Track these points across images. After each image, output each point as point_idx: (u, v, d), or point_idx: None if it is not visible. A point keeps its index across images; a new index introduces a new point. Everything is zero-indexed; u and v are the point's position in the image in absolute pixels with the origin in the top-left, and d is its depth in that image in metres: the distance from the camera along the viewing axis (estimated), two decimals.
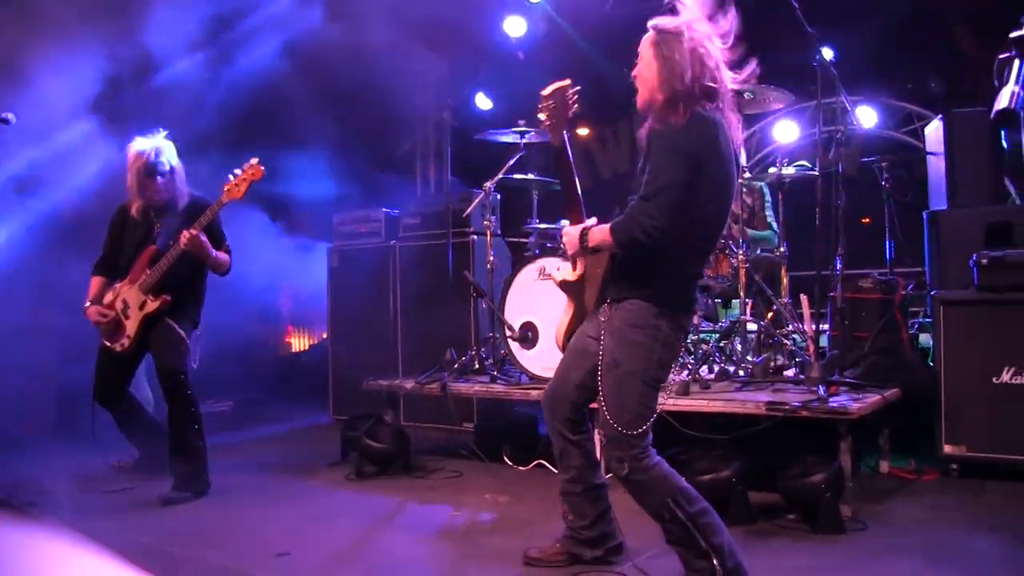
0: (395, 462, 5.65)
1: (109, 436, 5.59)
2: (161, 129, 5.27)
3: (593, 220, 3.45)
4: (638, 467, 3.23)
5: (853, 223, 6.90)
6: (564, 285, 3.62)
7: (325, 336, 8.51)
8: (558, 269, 3.65)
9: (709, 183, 3.16)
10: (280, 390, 9.38)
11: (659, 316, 3.23)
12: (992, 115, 5.23)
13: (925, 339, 5.96)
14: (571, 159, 3.53)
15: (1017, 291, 4.98)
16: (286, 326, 10.46)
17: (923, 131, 8.38)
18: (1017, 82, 5.08)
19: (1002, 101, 5.11)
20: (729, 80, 3.26)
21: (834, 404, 4.38)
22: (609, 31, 9.57)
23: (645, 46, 3.26)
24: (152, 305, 5.17)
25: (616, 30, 9.53)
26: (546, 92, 3.45)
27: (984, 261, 5.05)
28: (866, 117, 8.55)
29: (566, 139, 3.51)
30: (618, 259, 3.33)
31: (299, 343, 10.52)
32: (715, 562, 3.17)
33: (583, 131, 10.37)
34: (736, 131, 3.32)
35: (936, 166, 6.10)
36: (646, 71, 3.24)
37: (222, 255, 5.27)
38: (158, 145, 5.18)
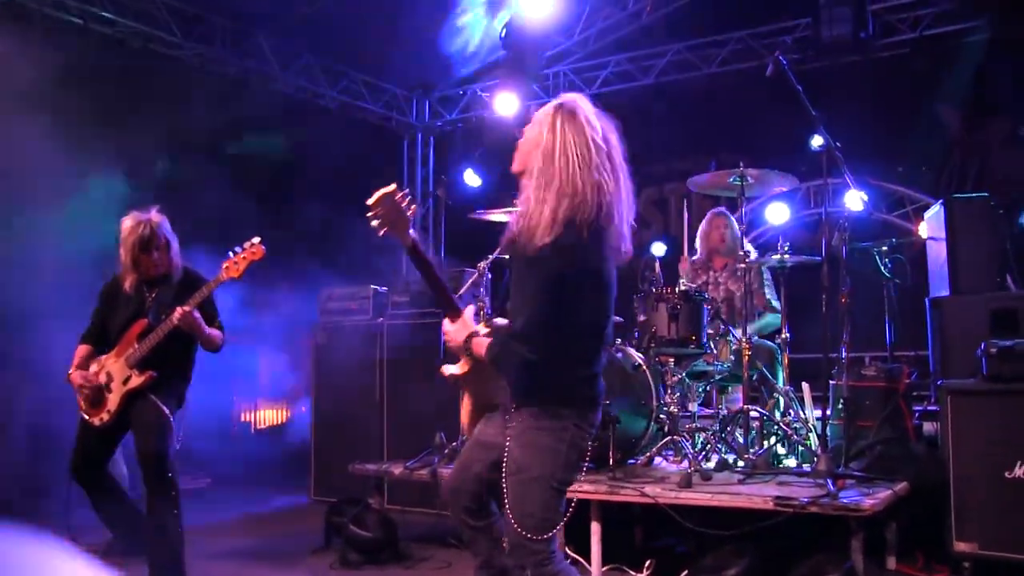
0: (382, 551, 5.42)
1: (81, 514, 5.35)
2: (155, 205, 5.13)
3: (471, 314, 3.31)
4: (542, 573, 3.04)
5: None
6: (455, 380, 3.41)
7: (304, 410, 8.30)
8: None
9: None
10: (258, 466, 9.15)
11: (564, 418, 3.05)
12: None
13: (929, 428, 5.80)
14: (427, 256, 3.34)
15: None
16: (260, 400, 10.22)
17: (914, 214, 8.39)
18: None
19: None
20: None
21: (845, 500, 4.22)
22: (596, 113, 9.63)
23: None
24: (137, 380, 4.94)
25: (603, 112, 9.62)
26: (372, 201, 3.18)
27: (993, 351, 4.91)
28: (856, 200, 8.50)
29: (415, 239, 3.28)
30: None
31: (276, 417, 10.27)
32: None
33: None
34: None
35: (936, 251, 6.02)
36: None
37: (215, 331, 5.08)
38: (153, 219, 5.01)
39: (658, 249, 6.20)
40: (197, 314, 4.89)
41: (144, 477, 4.94)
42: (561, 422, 3.04)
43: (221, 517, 7.17)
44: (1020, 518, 4.70)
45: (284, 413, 10.06)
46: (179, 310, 4.81)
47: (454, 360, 3.37)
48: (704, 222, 6.69)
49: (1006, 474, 4.78)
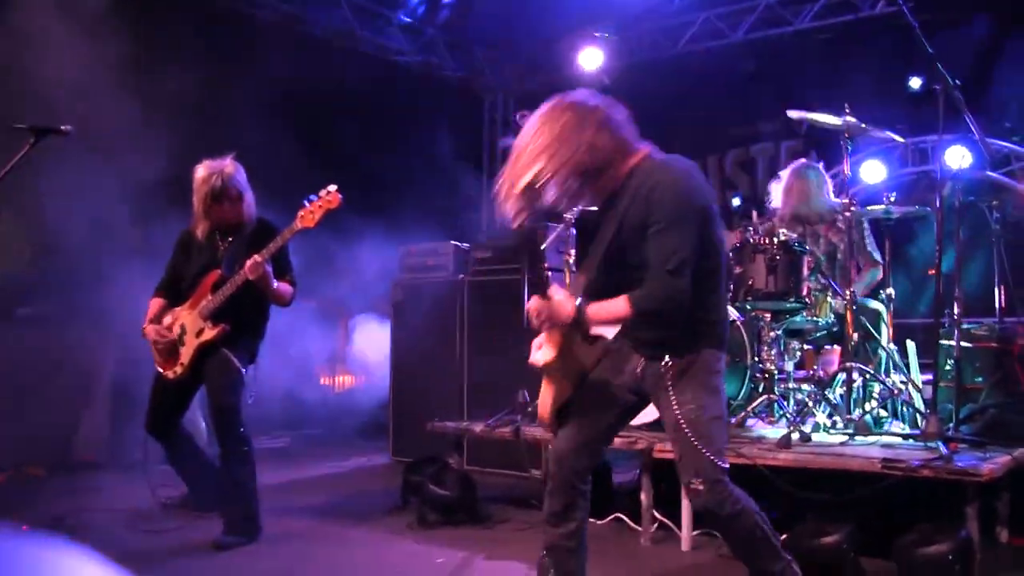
0: (460, 511, 5.25)
1: (159, 469, 5.31)
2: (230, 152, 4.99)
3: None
4: (734, 499, 3.17)
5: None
6: (545, 368, 3.30)
7: (383, 374, 8.20)
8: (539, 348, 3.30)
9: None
10: (338, 428, 9.12)
11: (720, 359, 3.29)
12: None
13: None
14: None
15: None
16: (339, 363, 10.16)
17: (1021, 173, 7.94)
18: None
19: None
20: None
21: (961, 463, 3.92)
22: (683, 69, 9.35)
23: None
24: (210, 333, 4.86)
25: (691, 68, 9.33)
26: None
27: None
28: (959, 157, 8.07)
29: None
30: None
31: (356, 378, 10.19)
32: (787, 556, 3.30)
33: None
34: None
35: None
36: None
37: (284, 286, 4.95)
38: (226, 169, 4.88)
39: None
40: (269, 267, 4.77)
41: (216, 432, 4.90)
42: (720, 364, 3.27)
43: (298, 475, 7.10)
44: None
45: (364, 374, 9.96)
46: (251, 261, 4.69)
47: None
48: (789, 175, 6.01)
49: None
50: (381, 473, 7.18)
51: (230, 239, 5.00)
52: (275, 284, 4.85)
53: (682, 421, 3.13)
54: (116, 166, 6.45)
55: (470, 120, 11.17)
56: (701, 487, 3.11)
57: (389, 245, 7.97)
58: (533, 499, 5.62)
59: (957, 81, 4.58)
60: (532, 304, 3.16)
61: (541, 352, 3.27)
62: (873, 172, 8.11)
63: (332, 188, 4.81)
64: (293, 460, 7.78)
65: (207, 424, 6.49)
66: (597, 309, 3.14)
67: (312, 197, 4.80)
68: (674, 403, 3.15)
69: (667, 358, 3.19)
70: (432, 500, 5.23)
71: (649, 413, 4.93)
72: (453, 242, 7.34)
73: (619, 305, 3.09)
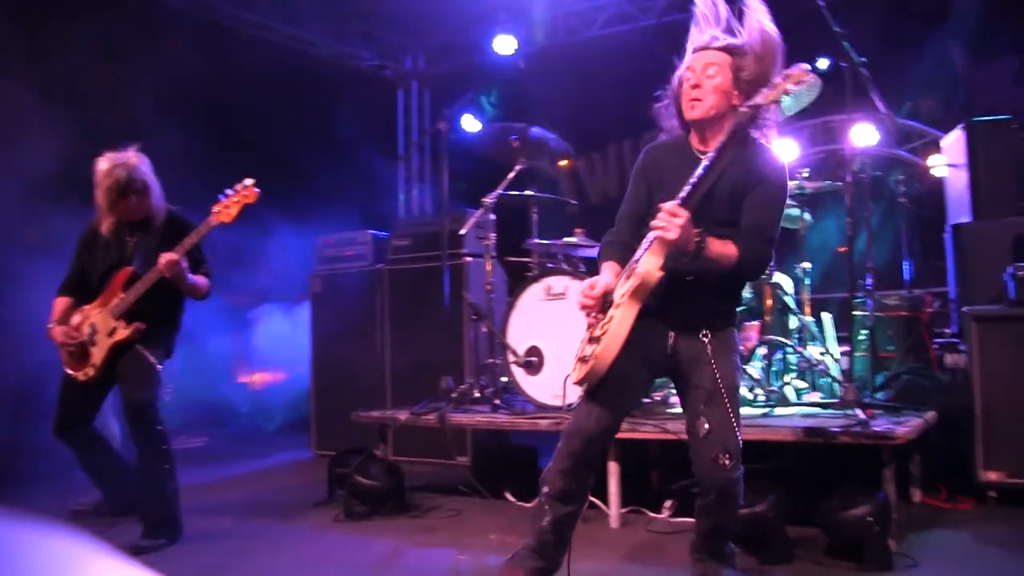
0: (388, 501, 5.19)
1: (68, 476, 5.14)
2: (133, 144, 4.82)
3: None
4: (740, 470, 3.26)
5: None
6: (643, 288, 3.11)
7: (302, 369, 8.11)
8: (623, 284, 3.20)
9: None
10: (256, 425, 8.98)
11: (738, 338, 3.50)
12: None
13: (949, 360, 5.62)
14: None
15: None
16: (257, 359, 10.00)
17: (922, 149, 8.16)
18: None
19: None
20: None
21: (877, 428, 4.02)
22: (598, 53, 9.40)
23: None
24: (124, 332, 4.70)
25: (606, 52, 9.37)
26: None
27: (1021, 274, 4.75)
28: (865, 135, 8.27)
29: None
30: (715, 285, 3.27)
31: (275, 373, 10.05)
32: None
33: (563, 162, 10.06)
34: None
35: (956, 179, 5.81)
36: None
37: (199, 279, 4.82)
38: (129, 161, 4.72)
39: None
40: (185, 263, 4.65)
41: (132, 431, 4.71)
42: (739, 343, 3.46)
43: (218, 474, 6.96)
44: None
45: (282, 369, 9.83)
46: (164, 258, 4.55)
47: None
48: None
49: None
50: (304, 468, 7.10)
51: (139, 234, 4.83)
52: (191, 279, 4.73)
53: (724, 392, 3.18)
54: (6, 161, 6.22)
55: (385, 108, 11.07)
56: (728, 462, 3.15)
57: (306, 237, 7.87)
58: (461, 486, 5.63)
59: (863, 59, 4.69)
60: (669, 207, 3.04)
61: (645, 263, 3.11)
62: (785, 150, 8.25)
63: (249, 182, 4.70)
64: (212, 459, 7.63)
65: (120, 425, 6.30)
66: (713, 240, 3.11)
67: (228, 191, 4.69)
68: (717, 375, 3.19)
69: (706, 331, 3.25)
70: (359, 491, 5.16)
71: (575, 392, 5.01)
72: (371, 231, 7.26)
73: (730, 248, 3.12)
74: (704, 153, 3.23)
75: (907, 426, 4.13)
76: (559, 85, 9.59)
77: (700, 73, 3.26)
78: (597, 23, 9.50)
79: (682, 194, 3.08)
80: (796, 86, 3.09)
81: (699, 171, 3.10)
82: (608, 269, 3.31)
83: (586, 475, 3.40)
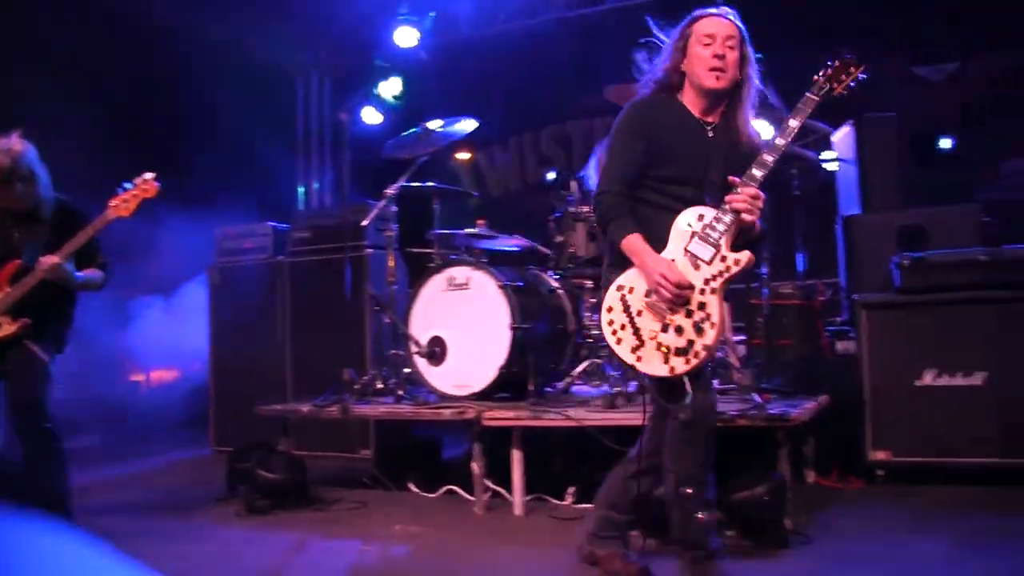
0: (291, 494, 5.14)
1: None
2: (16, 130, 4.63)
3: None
4: None
5: None
6: (741, 273, 3.19)
7: (197, 366, 7.97)
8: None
9: None
10: (153, 423, 8.75)
11: None
12: None
13: (840, 346, 5.83)
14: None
15: (937, 292, 4.91)
16: (154, 352, 9.76)
17: (814, 145, 8.40)
18: None
19: None
20: None
21: (773, 411, 4.15)
22: (500, 47, 9.43)
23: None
24: (10, 328, 4.50)
25: (507, 46, 9.41)
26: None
27: (906, 263, 4.95)
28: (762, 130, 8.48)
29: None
30: None
31: (172, 370, 9.82)
32: None
33: (464, 155, 10.11)
34: None
35: (846, 173, 6.01)
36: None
37: (93, 273, 4.66)
38: (13, 148, 4.53)
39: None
40: (69, 265, 4.49)
41: (20, 430, 4.47)
42: None
43: (113, 473, 6.75)
44: (929, 423, 4.85)
45: (177, 365, 9.61)
46: (45, 262, 4.39)
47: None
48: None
49: (916, 383, 4.89)
50: (204, 464, 6.96)
51: (26, 225, 4.62)
52: (80, 277, 4.58)
53: None
54: None
55: (284, 100, 10.91)
56: None
57: (201, 229, 7.71)
58: (364, 478, 5.61)
59: (759, 55, 4.79)
60: (752, 190, 3.07)
61: (727, 243, 3.11)
62: None
63: (148, 176, 4.57)
64: (106, 458, 7.38)
65: (4, 425, 6.06)
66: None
67: (127, 184, 4.55)
68: None
69: None
70: (261, 486, 5.09)
71: (478, 381, 5.05)
72: (271, 223, 7.16)
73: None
74: (708, 124, 3.30)
75: (801, 409, 4.27)
76: (461, 78, 9.61)
77: (722, 43, 3.23)
78: (500, 17, 9.52)
79: (758, 175, 3.08)
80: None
81: (771, 156, 3.10)
82: (643, 242, 3.17)
83: None
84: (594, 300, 5.33)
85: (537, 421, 4.62)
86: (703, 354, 3.05)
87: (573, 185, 5.38)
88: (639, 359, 3.14)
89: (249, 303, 7.03)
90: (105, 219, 4.49)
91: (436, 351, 5.19)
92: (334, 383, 5.70)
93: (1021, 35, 7.55)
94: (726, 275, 3.08)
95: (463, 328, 5.15)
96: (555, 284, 5.38)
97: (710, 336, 3.04)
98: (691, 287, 3.07)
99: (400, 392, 5.37)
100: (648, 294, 3.13)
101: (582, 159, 9.24)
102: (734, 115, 3.31)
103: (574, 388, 5.28)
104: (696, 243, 3.11)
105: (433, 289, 5.28)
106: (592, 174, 6.06)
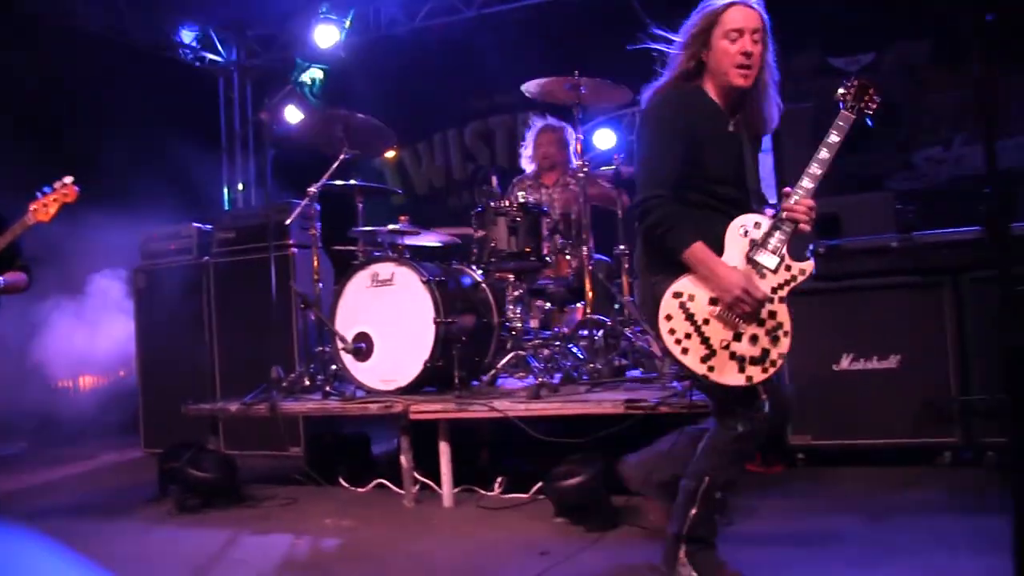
0: (222, 493, 5.17)
1: None
2: None
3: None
4: None
5: None
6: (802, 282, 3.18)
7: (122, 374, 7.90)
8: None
9: None
10: (83, 427, 8.64)
11: None
12: None
13: None
14: None
15: (852, 278, 5.05)
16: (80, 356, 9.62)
17: None
18: None
19: None
20: None
21: (694, 398, 4.25)
22: (421, 45, 9.47)
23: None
24: None
25: (428, 44, 9.45)
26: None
27: (821, 250, 5.09)
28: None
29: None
30: None
31: (100, 375, 9.69)
32: None
33: (390, 153, 10.11)
34: None
35: (763, 162, 6.15)
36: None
37: (14, 276, 4.65)
38: None
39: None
40: None
41: None
42: None
43: (41, 479, 6.69)
44: (846, 407, 4.99)
45: (105, 369, 9.49)
46: None
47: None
48: (532, 134, 6.56)
49: (834, 367, 5.03)
50: (134, 467, 6.91)
51: None
52: (2, 282, 4.55)
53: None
54: None
55: (206, 100, 10.82)
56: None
57: (124, 232, 7.62)
58: (295, 475, 5.64)
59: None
60: (809, 202, 3.09)
61: (789, 252, 3.13)
62: (605, 139, 8.51)
63: (68, 180, 4.57)
64: (34, 464, 7.31)
65: None
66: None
67: (46, 189, 4.54)
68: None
69: None
70: (192, 485, 5.11)
71: (404, 376, 5.11)
72: (195, 224, 7.12)
73: None
74: (732, 118, 3.27)
75: None
76: (383, 76, 9.62)
77: (750, 37, 3.15)
78: (420, 14, 9.56)
79: (809, 186, 3.08)
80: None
81: (820, 169, 3.11)
82: (709, 251, 3.08)
83: None
84: (517, 293, 5.42)
85: (462, 413, 4.69)
86: (780, 362, 3.06)
87: (494, 180, 5.46)
88: (711, 368, 3.07)
89: (175, 305, 6.97)
90: (24, 224, 4.48)
91: (362, 347, 5.23)
92: (263, 382, 5.72)
93: (933, 26, 7.79)
94: (793, 284, 3.09)
95: (388, 323, 5.20)
96: (479, 278, 5.46)
97: (784, 344, 3.06)
98: (768, 299, 3.06)
99: (327, 388, 5.40)
100: (713, 302, 3.07)
101: (505, 154, 9.38)
102: (756, 106, 3.28)
103: (500, 380, 5.35)
104: (759, 252, 3.09)
105: (358, 286, 5.32)
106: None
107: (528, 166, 6.51)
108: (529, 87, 5.59)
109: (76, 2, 8.86)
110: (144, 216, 7.71)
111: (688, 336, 3.07)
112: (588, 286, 5.32)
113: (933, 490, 4.48)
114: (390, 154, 10.06)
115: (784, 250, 3.08)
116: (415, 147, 10.13)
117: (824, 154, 3.10)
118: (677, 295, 3.10)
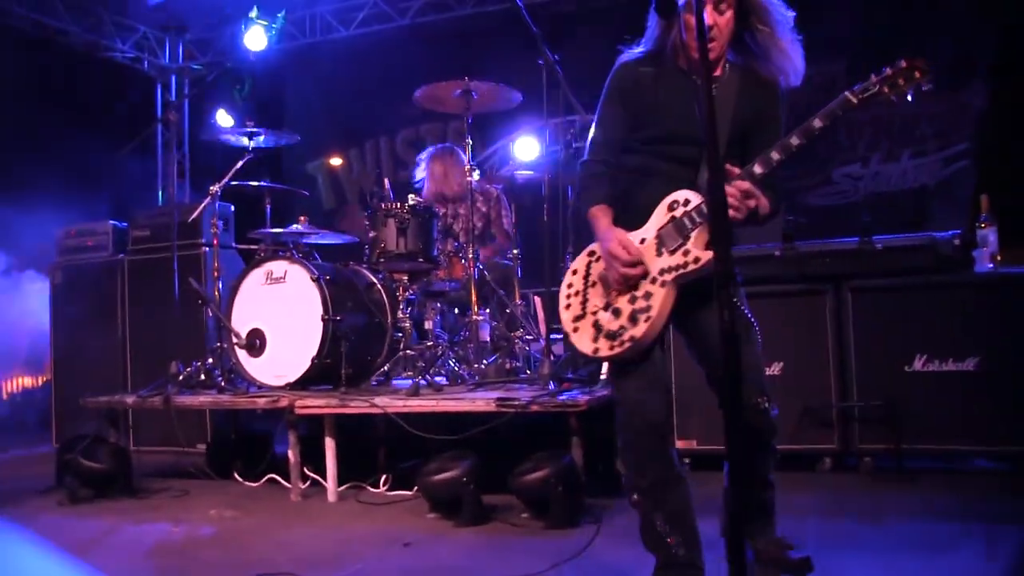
0: (115, 484, 5.22)
1: None
2: None
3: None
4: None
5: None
6: (699, 276, 2.89)
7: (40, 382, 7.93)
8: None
9: None
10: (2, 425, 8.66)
11: None
12: None
13: None
14: None
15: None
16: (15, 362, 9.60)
17: None
18: None
19: None
20: None
21: (563, 398, 4.38)
22: (353, 52, 9.59)
23: None
24: None
25: (361, 51, 9.57)
26: None
27: None
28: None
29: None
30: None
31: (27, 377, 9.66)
32: None
33: (336, 160, 10.22)
34: None
35: None
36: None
37: None
38: None
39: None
40: None
41: None
42: None
43: None
44: None
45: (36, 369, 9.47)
46: None
47: None
48: (429, 158, 6.58)
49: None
50: (40, 461, 6.90)
51: None
52: None
53: (756, 330, 3.03)
54: None
55: (143, 101, 10.85)
56: (767, 404, 3.04)
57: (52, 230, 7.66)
58: (192, 469, 5.72)
59: (556, 57, 5.05)
60: (746, 187, 2.78)
61: (699, 240, 2.86)
62: (527, 149, 8.62)
63: None
64: None
65: None
66: (763, 203, 2.89)
67: None
68: (748, 313, 3.01)
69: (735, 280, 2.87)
70: (84, 475, 5.15)
71: (294, 371, 5.20)
72: (112, 222, 7.18)
73: (764, 201, 2.89)
74: (715, 79, 2.97)
75: (593, 396, 4.48)
76: (317, 82, 9.74)
77: (711, 10, 2.90)
78: (354, 22, 9.69)
79: (758, 172, 2.82)
80: None
81: (780, 155, 2.82)
82: (604, 214, 2.99)
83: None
84: (408, 294, 5.53)
85: (344, 408, 4.80)
86: (627, 345, 2.86)
87: (386, 182, 5.58)
88: (575, 330, 3.00)
89: (90, 301, 7.05)
90: None
91: (256, 343, 5.32)
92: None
93: (846, 44, 7.99)
94: (682, 271, 2.84)
95: (281, 320, 5.32)
96: (373, 279, 5.57)
97: (641, 329, 2.84)
98: (642, 268, 2.89)
99: (222, 383, 5.49)
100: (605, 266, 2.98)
101: None
102: (755, 62, 3.03)
103: (395, 381, 5.46)
104: (670, 227, 2.91)
105: (253, 283, 5.43)
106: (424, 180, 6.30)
107: (425, 187, 6.53)
108: (417, 97, 5.69)
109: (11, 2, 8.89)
110: (76, 215, 7.77)
111: (577, 294, 3.03)
112: (474, 290, 5.43)
113: (811, 495, 4.57)
114: (336, 161, 10.20)
115: (694, 233, 2.85)
116: (347, 153, 10.22)
117: (794, 140, 2.82)
118: (591, 253, 3.05)
